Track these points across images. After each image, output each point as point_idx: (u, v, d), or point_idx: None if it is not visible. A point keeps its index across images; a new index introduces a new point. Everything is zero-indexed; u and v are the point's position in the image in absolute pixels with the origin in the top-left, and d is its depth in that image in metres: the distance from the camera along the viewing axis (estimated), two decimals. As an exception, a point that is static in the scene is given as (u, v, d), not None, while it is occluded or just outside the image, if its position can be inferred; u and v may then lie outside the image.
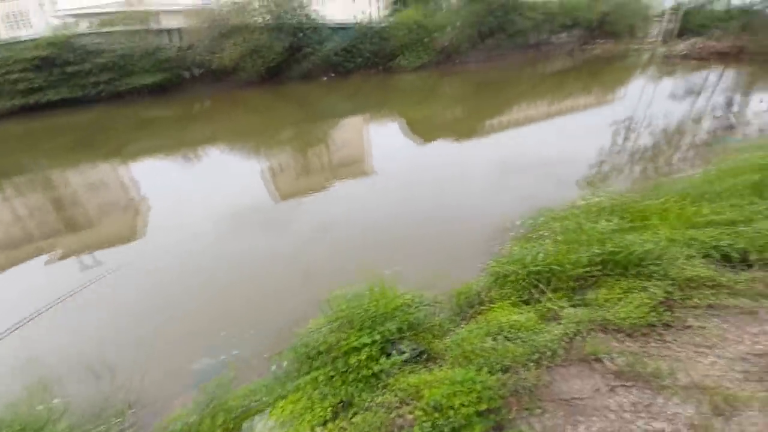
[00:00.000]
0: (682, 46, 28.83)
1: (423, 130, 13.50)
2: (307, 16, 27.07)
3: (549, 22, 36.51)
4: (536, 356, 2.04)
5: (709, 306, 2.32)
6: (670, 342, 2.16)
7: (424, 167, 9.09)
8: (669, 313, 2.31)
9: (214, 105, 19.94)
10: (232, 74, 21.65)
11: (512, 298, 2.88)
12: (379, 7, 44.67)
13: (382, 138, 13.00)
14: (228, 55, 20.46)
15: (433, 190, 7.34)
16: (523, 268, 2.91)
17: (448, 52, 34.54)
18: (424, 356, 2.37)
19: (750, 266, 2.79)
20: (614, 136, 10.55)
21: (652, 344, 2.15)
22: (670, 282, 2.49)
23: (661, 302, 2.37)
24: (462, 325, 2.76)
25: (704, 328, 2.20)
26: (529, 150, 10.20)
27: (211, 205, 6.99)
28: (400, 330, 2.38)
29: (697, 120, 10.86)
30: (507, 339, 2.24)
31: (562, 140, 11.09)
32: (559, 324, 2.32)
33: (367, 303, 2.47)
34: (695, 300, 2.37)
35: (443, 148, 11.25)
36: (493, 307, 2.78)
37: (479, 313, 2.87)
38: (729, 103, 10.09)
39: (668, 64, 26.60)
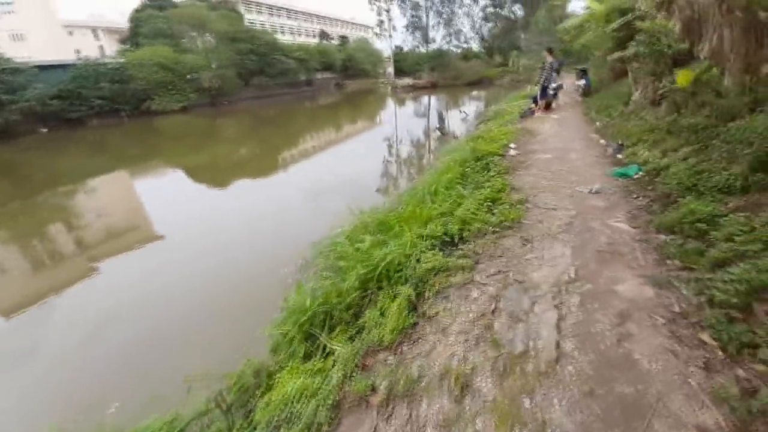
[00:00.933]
0: (405, 81, 39.14)
1: (212, 176, 12.26)
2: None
3: (307, 63, 41.15)
4: (314, 429, 1.84)
5: (442, 290, 2.82)
6: (422, 336, 2.45)
7: (220, 217, 8.04)
8: (419, 310, 2.66)
9: None
10: None
11: (300, 355, 2.66)
12: (118, 45, 37.63)
13: (162, 193, 10.81)
14: None
15: (232, 241, 6.54)
16: (302, 316, 2.75)
17: (214, 93, 32.88)
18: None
19: (464, 242, 3.66)
20: (388, 149, 13.81)
21: (411, 347, 2.37)
22: (416, 280, 2.90)
23: (412, 303, 2.71)
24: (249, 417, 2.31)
25: (442, 311, 2.62)
26: (329, 174, 11.00)
27: None
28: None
29: (432, 131, 14.93)
30: (287, 420, 1.95)
31: (353, 159, 12.98)
32: (335, 368, 2.24)
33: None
34: (434, 289, 2.83)
35: (241, 190, 10.53)
36: (280, 378, 2.46)
37: (267, 391, 2.49)
38: (441, 118, 13.97)
39: (399, 94, 35.40)
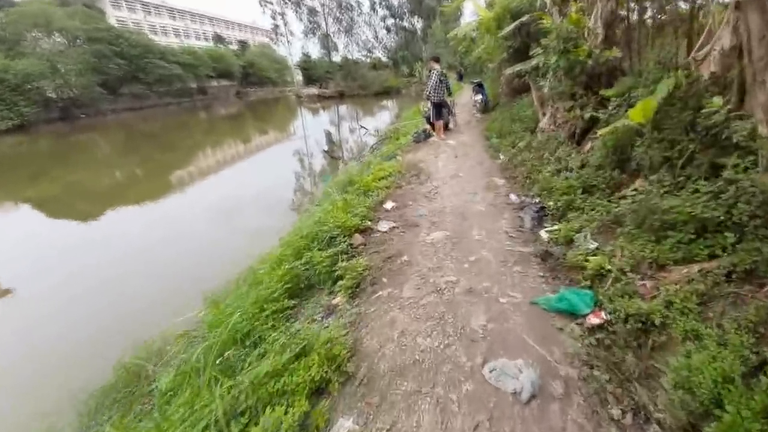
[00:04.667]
0: (311, 91, 35.61)
1: (72, 208, 9.30)
2: None
3: (196, 68, 34.72)
4: None
5: None
6: None
7: (87, 257, 5.80)
8: None
9: None
10: None
11: None
12: None
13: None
14: None
15: (98, 292, 4.54)
16: None
17: (64, 105, 25.23)
18: None
19: None
20: (299, 162, 11.73)
21: None
22: None
23: None
24: None
25: None
26: (231, 194, 8.95)
27: None
28: None
29: (322, 154, 11.98)
30: None
31: (263, 175, 10.71)
32: None
33: None
34: None
35: (117, 222, 7.90)
36: None
37: None
38: (330, 140, 11.11)
39: (305, 104, 31.81)
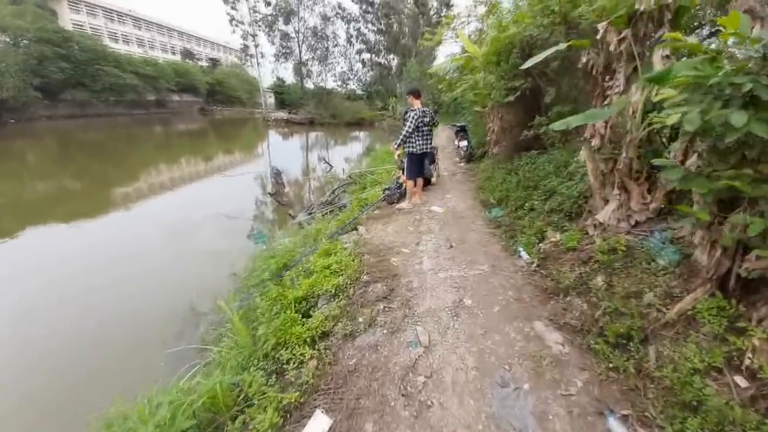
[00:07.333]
0: (280, 115, 32.97)
1: None
2: None
3: (155, 81, 30.85)
4: None
5: None
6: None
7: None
8: None
9: None
10: None
11: None
12: None
13: None
14: None
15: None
16: None
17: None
18: None
19: None
20: (262, 188, 9.99)
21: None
22: None
23: None
24: None
25: None
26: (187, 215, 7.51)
27: None
28: None
29: (269, 195, 9.31)
30: None
31: (223, 199, 8.64)
32: None
33: None
34: None
35: (41, 242, 6.26)
36: None
37: None
38: (277, 180, 8.47)
39: (271, 128, 29.06)
